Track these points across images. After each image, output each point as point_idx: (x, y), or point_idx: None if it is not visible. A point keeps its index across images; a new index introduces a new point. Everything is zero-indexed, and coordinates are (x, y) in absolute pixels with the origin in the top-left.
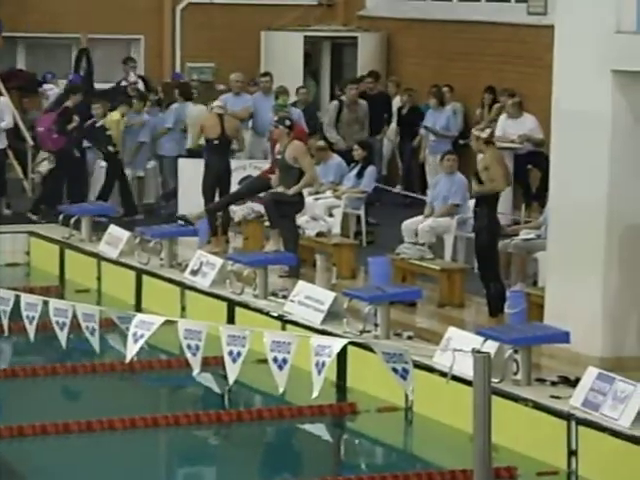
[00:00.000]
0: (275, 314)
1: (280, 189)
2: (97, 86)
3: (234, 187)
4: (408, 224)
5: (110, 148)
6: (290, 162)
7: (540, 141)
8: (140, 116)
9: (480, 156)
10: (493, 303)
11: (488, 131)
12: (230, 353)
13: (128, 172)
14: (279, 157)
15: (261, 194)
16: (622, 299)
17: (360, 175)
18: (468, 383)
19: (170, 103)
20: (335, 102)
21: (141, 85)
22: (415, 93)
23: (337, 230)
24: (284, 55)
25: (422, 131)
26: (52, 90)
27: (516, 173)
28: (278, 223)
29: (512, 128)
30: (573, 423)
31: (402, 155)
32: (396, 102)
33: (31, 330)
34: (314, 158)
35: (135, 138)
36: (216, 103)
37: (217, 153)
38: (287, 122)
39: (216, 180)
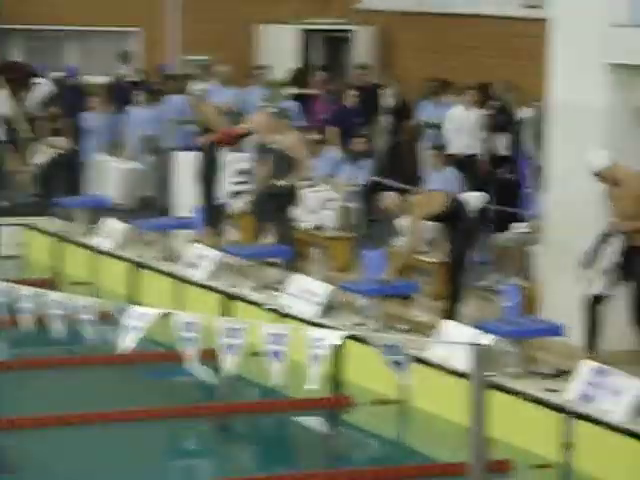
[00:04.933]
0: (271, 307)
1: (273, 181)
2: (94, 79)
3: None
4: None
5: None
6: (285, 152)
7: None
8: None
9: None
10: (451, 308)
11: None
12: (226, 345)
13: (130, 165)
14: (274, 147)
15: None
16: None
17: (356, 167)
18: (463, 376)
19: (168, 94)
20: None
21: (137, 78)
22: (406, 86)
23: (333, 223)
24: (279, 48)
25: (415, 123)
26: (40, 84)
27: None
28: (272, 215)
29: None
30: (568, 416)
31: (393, 148)
32: (387, 95)
33: (28, 322)
34: (310, 151)
35: (137, 131)
36: (197, 87)
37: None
38: (286, 113)
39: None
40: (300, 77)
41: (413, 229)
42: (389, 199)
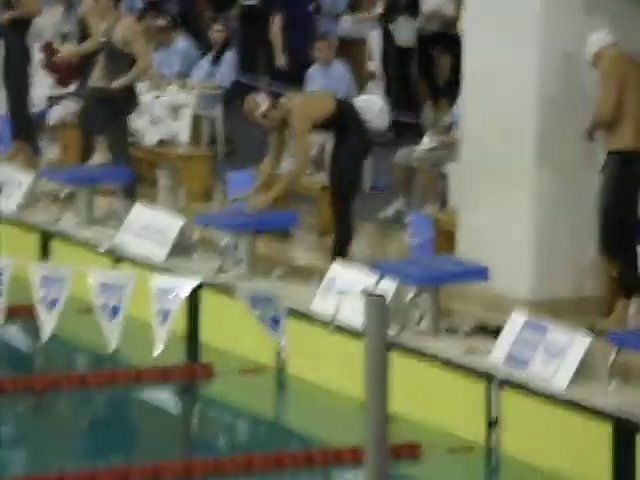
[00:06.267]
0: (104, 248)
1: (103, 82)
2: None
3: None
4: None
5: None
6: (119, 45)
7: (450, 19)
8: None
9: None
10: (339, 245)
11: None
12: (44, 299)
13: None
14: (103, 39)
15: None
16: (558, 220)
17: (216, 62)
18: (358, 335)
19: None
20: None
21: None
22: None
23: (185, 137)
24: None
25: None
26: None
27: (418, 60)
28: (103, 127)
29: None
30: (494, 385)
31: (265, 36)
32: None
33: None
34: (151, 41)
35: None
36: None
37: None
38: None
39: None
40: None
41: (298, 142)
42: (258, 103)
